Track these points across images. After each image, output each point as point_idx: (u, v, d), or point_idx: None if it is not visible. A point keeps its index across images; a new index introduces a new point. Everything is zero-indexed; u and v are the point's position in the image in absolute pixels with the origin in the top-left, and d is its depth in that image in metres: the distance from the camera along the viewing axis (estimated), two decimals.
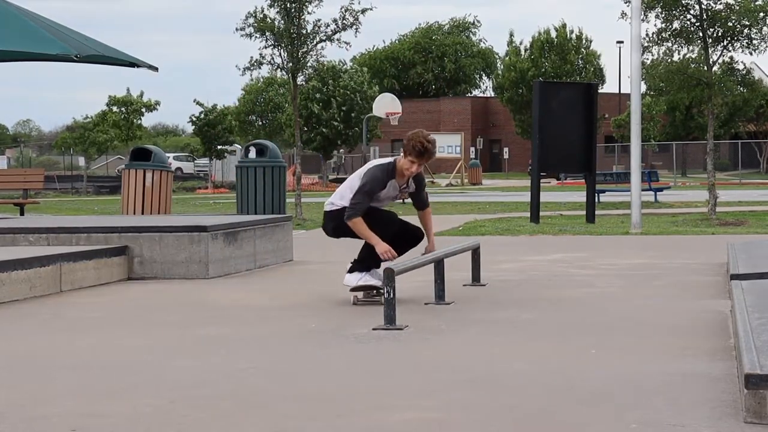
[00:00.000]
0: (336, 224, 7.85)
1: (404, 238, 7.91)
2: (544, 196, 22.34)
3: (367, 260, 7.80)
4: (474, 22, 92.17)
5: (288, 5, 20.54)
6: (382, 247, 7.59)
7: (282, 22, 20.60)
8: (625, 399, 4.53)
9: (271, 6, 20.72)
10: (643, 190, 17.63)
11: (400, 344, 6.06)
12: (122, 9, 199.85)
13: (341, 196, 7.86)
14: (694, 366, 5.22)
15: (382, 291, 7.05)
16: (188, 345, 6.18)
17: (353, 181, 7.86)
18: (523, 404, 4.48)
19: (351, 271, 7.85)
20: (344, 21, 20.77)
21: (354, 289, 7.82)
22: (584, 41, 71.15)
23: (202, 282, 9.39)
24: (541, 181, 20.87)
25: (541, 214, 19.12)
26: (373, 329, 6.49)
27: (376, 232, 7.66)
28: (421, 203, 8.14)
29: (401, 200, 8.66)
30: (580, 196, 24.05)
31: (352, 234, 7.79)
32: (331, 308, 7.65)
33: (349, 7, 20.84)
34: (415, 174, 7.86)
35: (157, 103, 52.40)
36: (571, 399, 4.56)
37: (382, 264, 7.58)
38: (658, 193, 29.09)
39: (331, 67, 52.40)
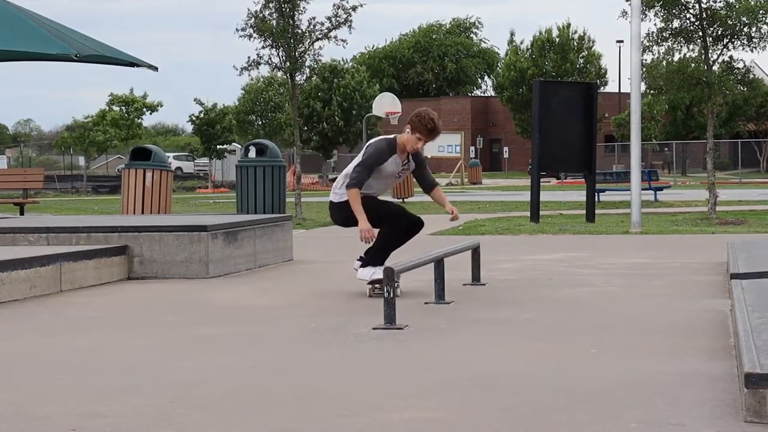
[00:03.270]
0: (347, 215, 8.01)
1: (406, 224, 8.11)
2: (544, 196, 22.33)
3: (379, 254, 8.04)
4: (475, 23, 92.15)
5: (282, 5, 20.56)
6: (363, 224, 7.81)
7: (278, 22, 20.60)
8: (625, 399, 4.53)
9: (265, 7, 20.74)
10: (642, 189, 17.62)
11: (400, 344, 6.06)
12: (122, 8, 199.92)
13: (344, 183, 8.03)
14: (694, 366, 5.22)
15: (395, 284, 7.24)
16: (188, 345, 6.18)
17: (355, 161, 8.04)
18: (522, 404, 4.48)
19: (364, 265, 8.13)
20: (337, 18, 20.84)
21: (372, 282, 8.05)
22: (586, 41, 71.05)
23: (202, 282, 9.39)
24: (541, 180, 20.87)
25: (541, 213, 19.11)
26: (373, 329, 6.49)
27: (370, 217, 7.85)
28: (428, 183, 8.35)
29: (401, 199, 8.87)
30: (580, 196, 24.05)
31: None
32: (331, 308, 7.64)
33: (341, 4, 20.92)
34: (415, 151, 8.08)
35: (159, 104, 52.43)
36: (570, 399, 4.56)
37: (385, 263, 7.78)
38: (657, 192, 29.10)
39: (332, 67, 52.42)
